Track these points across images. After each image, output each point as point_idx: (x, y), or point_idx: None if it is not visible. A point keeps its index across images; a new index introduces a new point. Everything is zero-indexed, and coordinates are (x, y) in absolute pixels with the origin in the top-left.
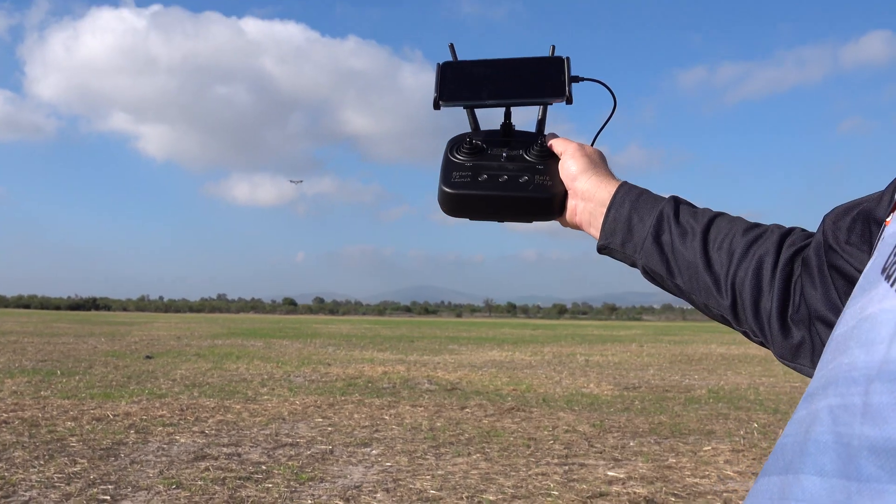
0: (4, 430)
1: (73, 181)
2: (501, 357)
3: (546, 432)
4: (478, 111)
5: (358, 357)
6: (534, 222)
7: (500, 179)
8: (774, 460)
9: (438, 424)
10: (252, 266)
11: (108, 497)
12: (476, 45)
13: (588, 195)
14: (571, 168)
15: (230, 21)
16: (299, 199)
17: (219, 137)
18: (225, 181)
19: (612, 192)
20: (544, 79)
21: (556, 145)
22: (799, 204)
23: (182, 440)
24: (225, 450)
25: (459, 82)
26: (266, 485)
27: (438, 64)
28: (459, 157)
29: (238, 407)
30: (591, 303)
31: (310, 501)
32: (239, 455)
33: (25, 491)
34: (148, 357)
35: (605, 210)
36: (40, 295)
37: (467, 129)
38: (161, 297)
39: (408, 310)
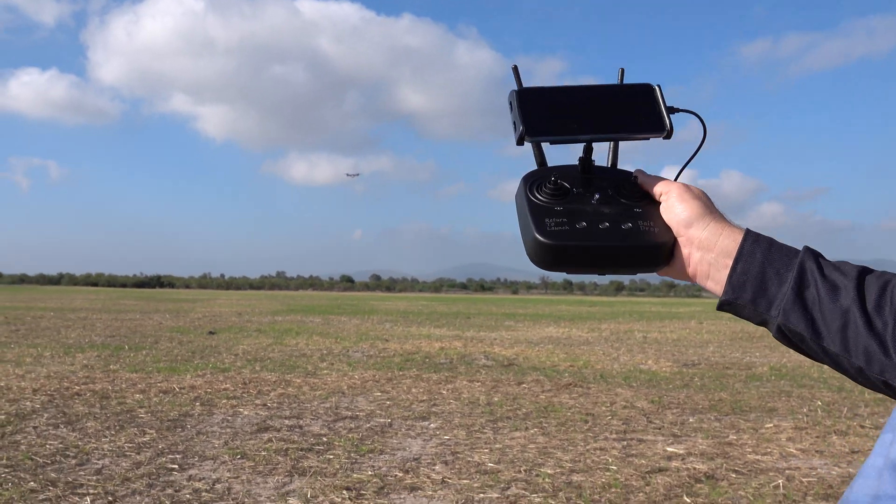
0: (77, 401)
1: (136, 162)
2: (558, 333)
3: (604, 408)
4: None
5: (415, 333)
6: (637, 273)
7: (601, 227)
8: (891, 419)
9: (496, 399)
10: (310, 244)
11: (177, 466)
12: (527, 25)
13: (707, 244)
14: (682, 213)
15: (286, 2)
16: (357, 178)
17: (276, 117)
18: (283, 160)
19: (739, 242)
20: (637, 110)
21: (652, 185)
22: (869, 179)
23: (245, 412)
24: (287, 422)
25: (542, 113)
26: (327, 456)
27: (515, 91)
28: (544, 200)
29: (298, 381)
30: (650, 279)
31: (370, 472)
32: (300, 427)
33: (98, 459)
34: (211, 333)
35: (729, 262)
36: (107, 273)
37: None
38: (222, 275)
39: (464, 287)
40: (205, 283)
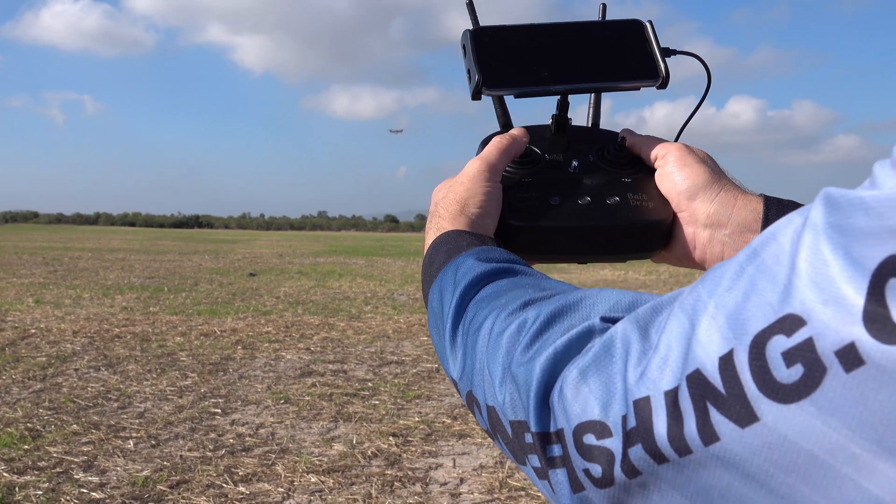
0: (118, 344)
1: (173, 96)
2: (613, 277)
3: None
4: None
5: None
6: (628, 261)
7: (581, 202)
8: None
9: None
10: (352, 182)
11: (219, 410)
12: None
13: (718, 219)
14: (683, 181)
15: None
16: (401, 111)
17: (317, 47)
18: (324, 93)
19: (760, 211)
20: (624, 53)
21: (645, 147)
22: None
23: (288, 356)
24: (331, 366)
25: (505, 58)
26: (373, 401)
27: (469, 31)
28: (509, 170)
29: (342, 325)
30: None
31: (417, 418)
32: (345, 372)
33: (140, 402)
34: (251, 275)
35: (754, 236)
36: (144, 213)
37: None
38: (262, 215)
39: None
40: (244, 223)
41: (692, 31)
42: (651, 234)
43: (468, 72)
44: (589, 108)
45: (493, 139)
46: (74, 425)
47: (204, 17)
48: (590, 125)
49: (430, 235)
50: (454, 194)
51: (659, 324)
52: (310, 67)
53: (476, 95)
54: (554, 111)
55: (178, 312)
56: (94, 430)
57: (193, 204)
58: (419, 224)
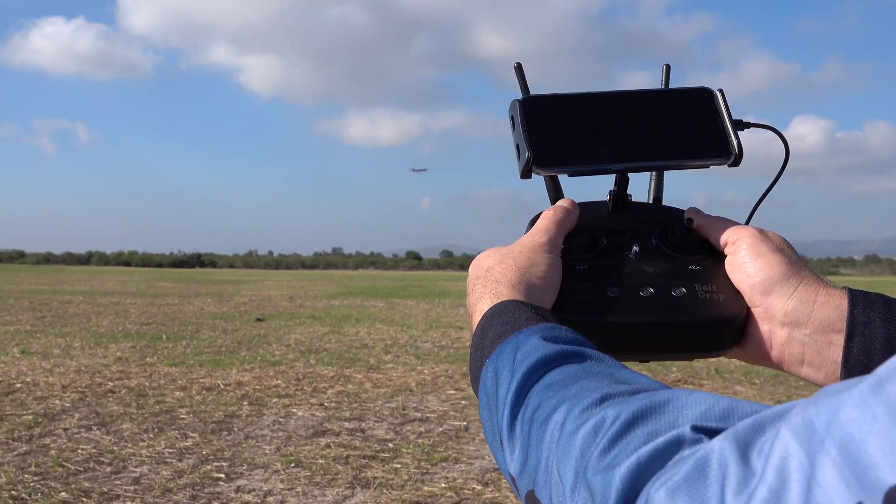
0: (111, 399)
1: (173, 123)
2: None
3: None
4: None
5: None
6: (696, 359)
7: (643, 294)
8: None
9: None
10: (371, 215)
11: (223, 475)
12: None
13: (797, 317)
14: (757, 273)
15: None
16: (424, 136)
17: (332, 67)
18: (340, 118)
19: (844, 308)
20: (692, 126)
21: (714, 230)
22: None
23: (299, 413)
24: (347, 424)
25: (559, 133)
26: (394, 465)
27: (518, 101)
28: (563, 255)
29: (360, 376)
30: None
31: (443, 484)
32: (363, 431)
33: (136, 466)
34: (259, 320)
35: (840, 337)
36: (141, 251)
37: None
38: (271, 252)
39: None
40: (251, 261)
41: (750, 46)
42: (722, 332)
43: (517, 147)
44: (650, 181)
45: (544, 213)
46: (63, 493)
47: (207, 37)
48: (651, 201)
49: (485, 301)
50: (513, 260)
51: (762, 446)
52: (323, 89)
53: (526, 174)
54: (612, 186)
55: (178, 363)
56: (84, 499)
57: (195, 241)
58: (444, 261)
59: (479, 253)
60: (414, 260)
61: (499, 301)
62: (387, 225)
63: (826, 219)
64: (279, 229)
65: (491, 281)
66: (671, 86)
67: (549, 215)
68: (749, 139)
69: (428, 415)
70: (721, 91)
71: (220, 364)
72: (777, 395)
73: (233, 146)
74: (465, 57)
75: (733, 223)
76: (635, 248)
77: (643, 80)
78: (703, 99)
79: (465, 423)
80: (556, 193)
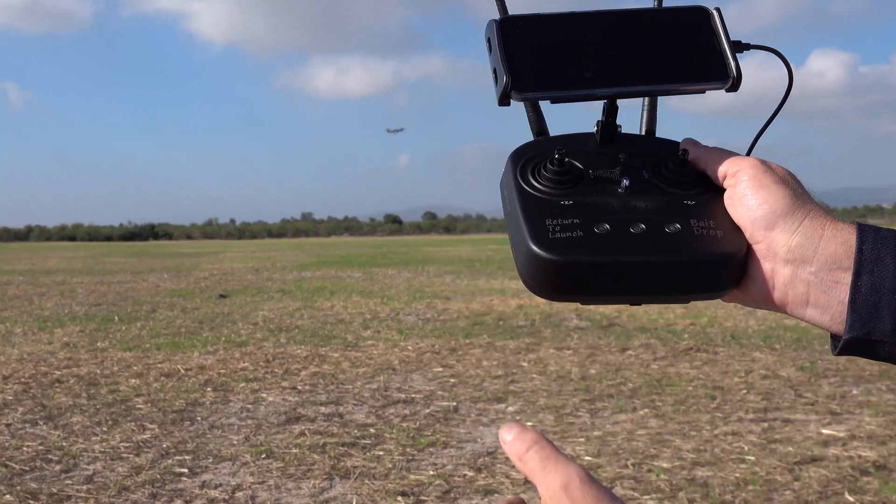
0: (59, 390)
1: (116, 80)
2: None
3: (737, 379)
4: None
5: (484, 287)
6: (692, 301)
7: (634, 230)
8: None
9: (593, 372)
10: (344, 176)
11: (186, 469)
12: None
13: (802, 253)
14: (759, 206)
15: None
16: (399, 86)
17: (293, 10)
18: (303, 68)
19: (853, 243)
20: (685, 47)
21: (712, 162)
22: None
23: (270, 398)
24: (323, 409)
25: (541, 56)
26: (376, 452)
27: (495, 21)
28: (545, 189)
29: (336, 355)
30: None
31: (431, 472)
32: (340, 416)
33: (88, 464)
34: (222, 296)
35: (845, 276)
36: (87, 223)
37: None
38: (233, 221)
39: None
40: (210, 231)
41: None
42: (720, 271)
43: (494, 71)
44: (643, 111)
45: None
46: (7, 495)
47: None
48: (643, 133)
49: None
50: None
51: None
52: (285, 36)
53: (504, 101)
54: (599, 116)
55: (133, 348)
56: (31, 501)
57: (147, 211)
58: (427, 224)
59: (465, 214)
60: (393, 224)
61: None
62: (362, 187)
63: (850, 164)
64: (241, 195)
65: None
66: (664, 5)
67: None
68: (760, 77)
69: (413, 395)
70: (718, 10)
71: (180, 347)
72: (800, 360)
73: (184, 104)
74: None
75: (733, 154)
76: (625, 182)
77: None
78: (698, 18)
79: (454, 404)
80: (538, 124)
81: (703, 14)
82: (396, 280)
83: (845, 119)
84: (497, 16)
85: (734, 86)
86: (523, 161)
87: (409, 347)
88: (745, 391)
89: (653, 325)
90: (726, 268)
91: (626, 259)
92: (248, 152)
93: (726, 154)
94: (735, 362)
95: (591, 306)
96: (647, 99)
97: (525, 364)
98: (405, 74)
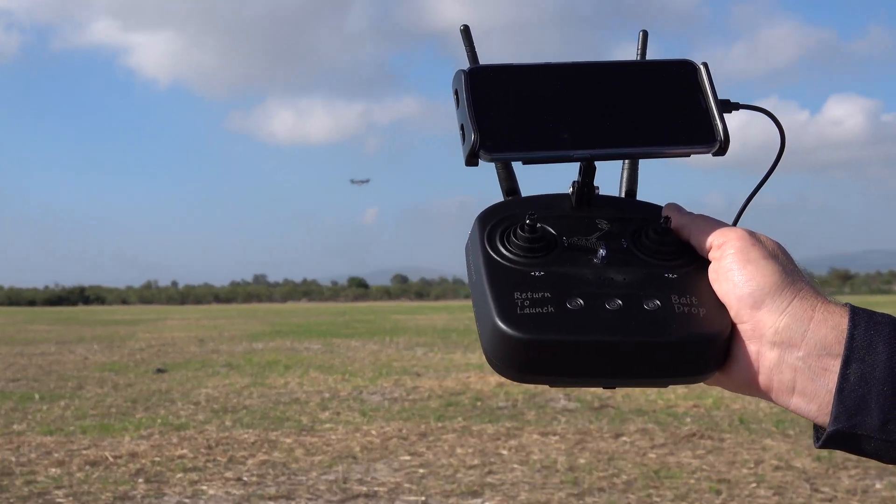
0: None
1: (45, 120)
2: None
3: (746, 470)
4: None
5: (460, 362)
6: (670, 385)
7: (609, 306)
8: None
9: (582, 461)
10: (302, 233)
11: None
12: None
13: (790, 336)
14: (745, 284)
15: None
16: (368, 131)
17: (247, 45)
18: (259, 109)
19: (844, 327)
20: (670, 107)
21: (696, 232)
22: None
23: (211, 492)
24: None
25: (513, 112)
26: None
27: (464, 72)
28: (514, 258)
29: (289, 441)
30: (813, 267)
31: None
32: None
33: None
34: (159, 370)
35: (834, 363)
36: (6, 286)
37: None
38: (174, 283)
39: None
40: (148, 296)
41: (771, 7)
42: (702, 353)
43: (462, 127)
44: (623, 170)
45: None
46: None
47: (86, 10)
48: (623, 195)
49: None
50: None
51: None
52: (237, 74)
53: (471, 160)
54: (575, 175)
55: (55, 431)
56: None
57: (77, 272)
58: (397, 289)
59: (440, 277)
60: (358, 288)
61: None
62: (323, 245)
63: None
64: (184, 254)
65: None
66: (650, 57)
67: None
68: (752, 130)
69: (376, 489)
70: (705, 64)
71: (110, 430)
72: (816, 449)
73: (123, 150)
74: (417, 29)
75: (720, 223)
76: (602, 252)
77: (635, 52)
78: (683, 74)
79: (423, 499)
80: (509, 184)
81: (689, 69)
82: (360, 353)
83: (867, 172)
84: (466, 65)
85: (721, 149)
86: (492, 225)
87: (373, 432)
88: (754, 485)
89: (651, 408)
90: (709, 350)
91: (601, 339)
92: (194, 205)
93: (712, 223)
94: (744, 451)
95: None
96: (626, 160)
97: (505, 452)
98: (375, 118)
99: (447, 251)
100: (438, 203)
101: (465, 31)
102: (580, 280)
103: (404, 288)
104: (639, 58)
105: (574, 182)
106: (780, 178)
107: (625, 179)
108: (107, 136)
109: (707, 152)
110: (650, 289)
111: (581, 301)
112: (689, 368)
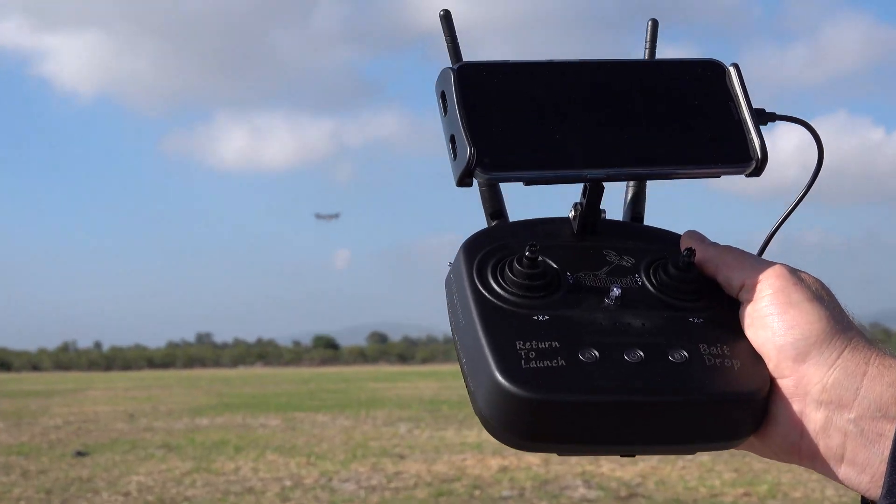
0: None
1: None
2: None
3: None
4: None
5: (454, 441)
6: (698, 451)
7: (629, 358)
8: None
9: None
10: (256, 281)
11: None
12: None
13: (841, 394)
14: (786, 332)
15: None
16: (340, 154)
17: (190, 49)
18: (203, 127)
19: None
20: (696, 117)
21: (724, 267)
22: None
23: None
24: None
25: (512, 121)
26: None
27: (450, 70)
28: (512, 297)
29: None
30: (890, 321)
31: None
32: None
33: None
34: (80, 454)
35: (892, 427)
36: None
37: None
38: (97, 345)
39: None
40: (66, 360)
41: (836, 2)
42: (737, 414)
43: (451, 139)
44: (627, 190)
45: None
46: None
47: None
48: (629, 219)
49: None
50: None
51: None
52: (176, 84)
53: (464, 180)
54: (578, 197)
55: None
56: None
57: None
58: (374, 350)
59: (427, 336)
60: (326, 349)
61: None
62: (282, 297)
63: None
64: (111, 308)
65: None
66: (660, 52)
67: None
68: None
69: None
70: (736, 66)
71: None
72: None
73: (34, 179)
74: (397, 30)
75: (752, 257)
76: (616, 291)
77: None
78: (710, 77)
79: None
80: (494, 205)
81: (716, 70)
82: (329, 430)
83: None
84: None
85: (757, 170)
86: (481, 256)
87: None
88: None
89: (691, 496)
90: (745, 410)
91: (623, 398)
92: (122, 247)
93: (744, 258)
94: None
95: (595, 468)
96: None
97: None
98: (347, 138)
99: (435, 304)
100: (424, 242)
101: (446, 17)
102: (592, 326)
103: (383, 349)
104: (647, 53)
105: (576, 204)
106: (845, 210)
107: (629, 199)
108: (12, 161)
109: (740, 173)
110: (674, 336)
111: (596, 352)
112: (722, 432)
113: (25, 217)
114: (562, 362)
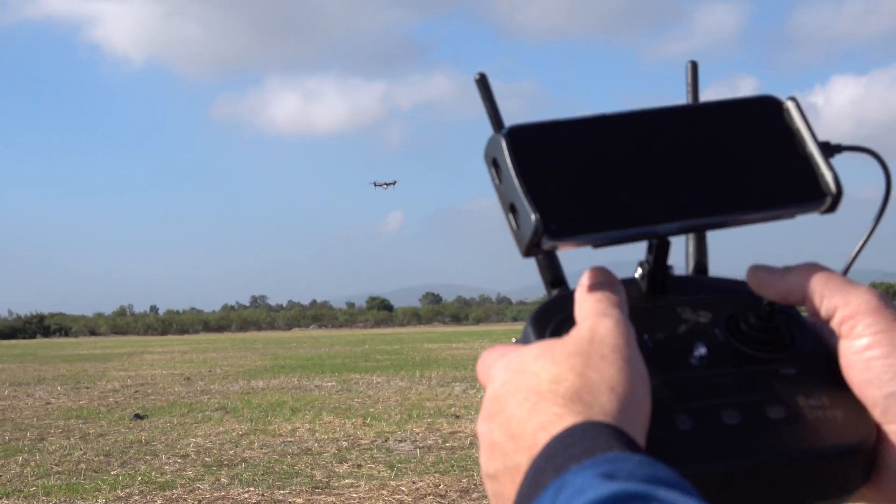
0: None
1: None
2: None
3: None
4: None
5: None
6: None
7: (727, 421)
8: None
9: None
10: (310, 245)
11: None
12: None
13: None
14: (894, 380)
15: None
16: (389, 117)
17: (238, 11)
18: (254, 92)
19: None
20: (761, 158)
21: (812, 293)
22: None
23: None
24: None
25: (573, 183)
26: None
27: (502, 136)
28: None
29: (299, 501)
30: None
31: None
32: None
33: None
34: (138, 417)
35: None
36: None
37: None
38: (154, 309)
39: None
40: (123, 324)
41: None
42: (846, 467)
43: (511, 207)
44: (688, 242)
45: (590, 296)
46: None
47: None
48: (691, 270)
49: (546, 430)
50: (598, 373)
51: None
52: (228, 49)
53: (531, 250)
54: (643, 256)
55: (12, 493)
56: None
57: (34, 296)
58: (428, 311)
59: (481, 295)
60: (381, 311)
61: (582, 422)
62: (335, 259)
63: None
64: (165, 273)
65: (581, 398)
66: (703, 94)
67: (604, 298)
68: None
69: None
70: (794, 100)
71: (78, 491)
72: None
73: (87, 145)
74: None
75: (838, 278)
76: (701, 350)
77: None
78: (768, 114)
79: None
80: (554, 273)
81: (773, 106)
82: (385, 391)
83: None
84: (489, 127)
85: (833, 205)
86: (552, 328)
87: (403, 488)
88: None
89: None
90: (853, 463)
91: (726, 466)
92: (176, 212)
93: (831, 281)
94: None
95: None
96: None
97: None
98: (398, 101)
99: (489, 264)
100: (476, 205)
101: (482, 81)
102: (682, 389)
103: (437, 310)
104: (690, 97)
105: (642, 263)
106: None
107: (692, 251)
108: (66, 128)
109: (816, 210)
110: (768, 392)
111: (690, 419)
112: (831, 488)
113: (81, 184)
114: (657, 431)
